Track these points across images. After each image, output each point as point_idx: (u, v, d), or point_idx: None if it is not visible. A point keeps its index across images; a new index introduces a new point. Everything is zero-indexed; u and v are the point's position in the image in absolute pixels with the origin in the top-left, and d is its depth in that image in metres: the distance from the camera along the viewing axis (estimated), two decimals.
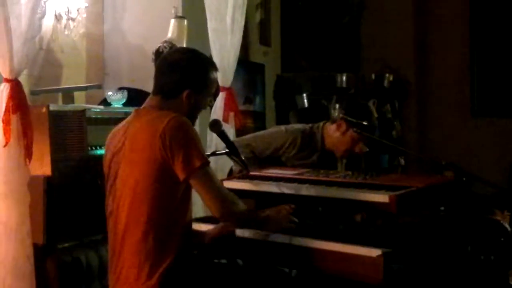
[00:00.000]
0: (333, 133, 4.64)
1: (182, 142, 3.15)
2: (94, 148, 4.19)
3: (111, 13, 5.81)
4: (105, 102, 4.80)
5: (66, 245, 4.05)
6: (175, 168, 3.15)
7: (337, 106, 7.74)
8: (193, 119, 3.46)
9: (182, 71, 3.38)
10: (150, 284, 3.20)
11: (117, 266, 3.31)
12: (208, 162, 3.21)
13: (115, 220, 3.32)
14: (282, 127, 4.87)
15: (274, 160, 4.58)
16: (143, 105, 3.45)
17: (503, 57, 9.11)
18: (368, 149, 4.73)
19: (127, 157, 3.28)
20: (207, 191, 3.18)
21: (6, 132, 3.52)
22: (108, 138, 3.50)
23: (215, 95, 5.27)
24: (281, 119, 8.10)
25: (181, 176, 3.16)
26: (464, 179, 3.82)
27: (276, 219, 3.50)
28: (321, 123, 4.76)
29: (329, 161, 4.75)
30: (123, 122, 3.46)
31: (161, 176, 3.18)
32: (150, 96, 3.45)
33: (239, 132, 5.58)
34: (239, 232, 3.56)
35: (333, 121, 4.66)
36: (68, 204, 3.99)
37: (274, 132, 4.84)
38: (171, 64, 3.45)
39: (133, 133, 3.29)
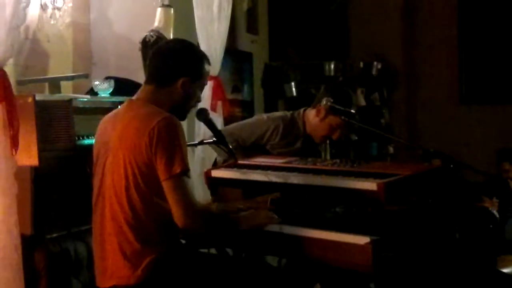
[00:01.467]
0: (312, 118, 4.66)
1: (168, 145, 3.16)
2: (81, 138, 4.16)
3: (97, 2, 5.77)
4: (92, 92, 4.77)
5: (54, 235, 4.02)
6: (157, 167, 3.16)
7: (320, 92, 7.75)
8: (185, 111, 3.47)
9: (178, 58, 3.39)
10: (136, 275, 3.20)
11: (102, 257, 3.32)
12: (188, 170, 3.20)
13: (101, 209, 3.32)
14: (264, 115, 4.89)
15: (258, 148, 4.59)
16: (136, 96, 3.43)
17: (492, 44, 9.13)
18: (356, 137, 4.75)
19: (115, 149, 3.28)
20: (176, 199, 3.16)
21: None
22: (99, 126, 3.49)
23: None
24: (270, 108, 8.09)
25: (160, 177, 3.17)
26: (451, 166, 3.83)
27: (250, 217, 3.50)
28: (301, 110, 4.78)
29: (313, 147, 4.77)
30: (115, 111, 3.46)
31: (144, 170, 3.19)
32: (143, 85, 3.45)
33: (227, 121, 5.58)
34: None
35: (314, 106, 4.68)
36: (56, 195, 3.97)
37: (256, 120, 4.86)
38: (167, 52, 3.48)
39: (123, 125, 3.29)
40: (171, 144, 3.16)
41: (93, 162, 3.46)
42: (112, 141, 3.30)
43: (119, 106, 3.74)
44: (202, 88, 3.57)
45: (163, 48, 3.56)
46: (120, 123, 3.31)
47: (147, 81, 3.44)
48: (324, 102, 4.57)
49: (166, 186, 3.17)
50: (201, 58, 3.50)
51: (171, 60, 3.39)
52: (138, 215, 3.21)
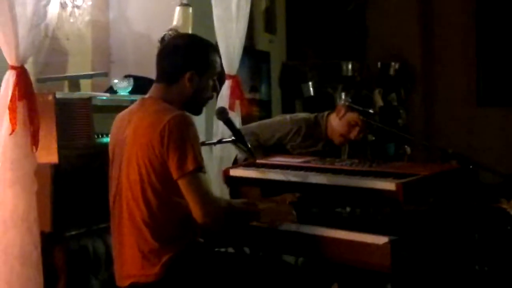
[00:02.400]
0: (333, 120, 4.67)
1: (180, 143, 3.15)
2: (100, 136, 4.18)
3: (116, 1, 5.80)
4: (111, 90, 4.80)
5: (73, 233, 4.05)
6: (170, 166, 3.16)
7: (343, 94, 7.74)
8: (198, 105, 3.46)
9: (182, 53, 3.38)
10: (154, 273, 3.21)
11: (121, 254, 3.33)
12: (202, 167, 3.19)
13: (118, 208, 3.33)
14: (287, 116, 4.89)
15: (279, 148, 4.59)
16: (148, 94, 3.43)
17: (510, 45, 9.08)
18: (374, 138, 4.75)
19: (129, 148, 3.28)
20: (193, 196, 3.15)
21: (12, 120, 3.51)
22: (113, 124, 3.50)
23: (221, 83, 5.26)
24: (287, 108, 8.08)
25: (174, 175, 3.16)
26: (470, 167, 3.82)
27: (271, 212, 3.51)
28: (325, 113, 4.79)
29: (334, 150, 4.77)
30: (128, 109, 3.46)
31: (158, 169, 3.18)
32: (154, 84, 3.44)
33: (245, 120, 5.58)
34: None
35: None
36: (75, 192, 3.99)
37: (279, 120, 4.86)
38: (171, 48, 3.48)
39: (136, 124, 3.29)
40: (182, 142, 3.15)
41: (110, 160, 3.47)
42: (127, 140, 3.31)
43: None
44: (217, 78, 3.54)
45: (166, 46, 3.58)
46: (134, 121, 3.32)
47: (156, 80, 3.44)
48: (342, 102, 4.58)
49: (181, 184, 3.16)
50: (205, 49, 3.46)
51: (173, 57, 3.39)
52: (154, 214, 3.21)
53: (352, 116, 4.59)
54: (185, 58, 3.37)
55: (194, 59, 3.38)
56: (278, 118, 5.06)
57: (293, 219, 3.50)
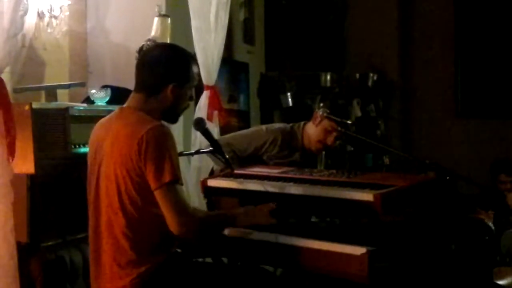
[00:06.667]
0: (309, 128, 4.67)
1: (157, 154, 3.14)
2: (77, 146, 4.17)
3: (94, 11, 5.78)
4: (88, 100, 4.78)
5: (50, 243, 4.02)
6: (147, 177, 3.15)
7: (321, 105, 7.75)
8: (177, 114, 3.45)
9: (165, 65, 3.35)
10: (131, 284, 3.19)
11: (98, 265, 3.30)
12: (178, 179, 3.18)
13: (96, 217, 3.31)
14: (263, 127, 4.89)
15: (255, 159, 4.59)
16: (127, 103, 3.41)
17: (488, 58, 9.13)
18: (352, 148, 4.75)
19: (107, 157, 3.26)
20: (168, 207, 3.15)
21: None
22: (92, 133, 3.48)
23: (197, 92, 5.26)
24: (266, 118, 8.08)
25: (151, 186, 3.15)
26: (448, 178, 3.83)
27: (248, 214, 3.50)
28: (301, 123, 4.79)
29: (310, 160, 4.77)
30: (107, 119, 3.44)
31: (136, 179, 3.17)
32: (133, 94, 3.42)
33: (223, 131, 5.57)
34: (224, 231, 3.55)
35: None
36: (52, 202, 3.97)
37: (255, 131, 4.86)
38: (153, 59, 3.42)
39: (114, 134, 3.27)
40: (160, 153, 3.14)
41: (88, 169, 3.44)
42: (105, 150, 3.29)
43: None
44: (192, 89, 3.53)
45: (148, 57, 3.49)
46: (112, 130, 3.30)
47: (136, 90, 3.41)
48: (321, 113, 4.59)
49: (157, 195, 3.15)
50: (187, 61, 3.45)
51: (156, 69, 3.35)
52: (132, 224, 3.20)
53: (328, 122, 4.60)
54: (167, 71, 3.35)
55: (176, 71, 3.36)
56: (254, 128, 5.06)
57: (271, 220, 3.49)
